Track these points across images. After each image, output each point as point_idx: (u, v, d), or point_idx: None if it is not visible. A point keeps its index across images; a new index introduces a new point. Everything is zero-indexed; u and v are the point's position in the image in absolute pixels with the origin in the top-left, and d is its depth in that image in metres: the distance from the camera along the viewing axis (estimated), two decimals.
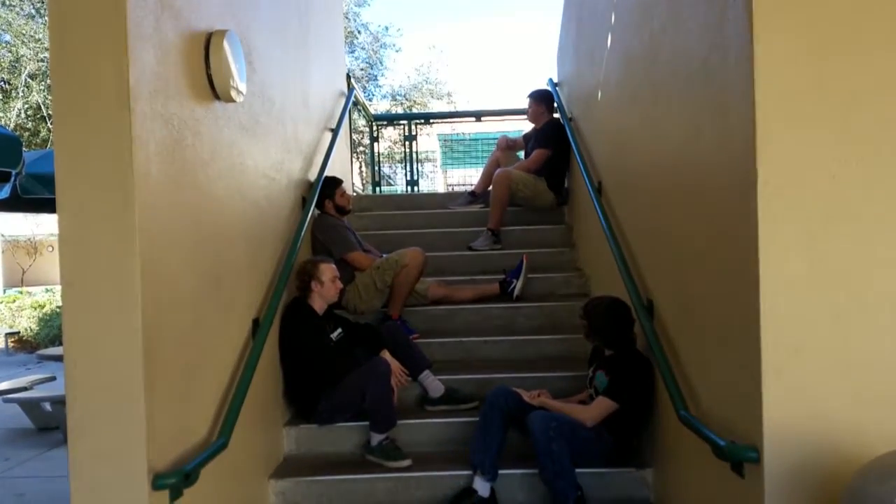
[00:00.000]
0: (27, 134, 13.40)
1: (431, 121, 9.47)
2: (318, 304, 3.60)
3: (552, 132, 5.55)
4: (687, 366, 2.63)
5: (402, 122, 8.59)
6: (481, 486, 3.03)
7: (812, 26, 1.90)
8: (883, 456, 1.67)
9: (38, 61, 12.88)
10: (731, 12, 2.03)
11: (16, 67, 13.02)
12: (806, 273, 1.89)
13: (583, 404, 3.20)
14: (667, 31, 2.73)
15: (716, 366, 2.31)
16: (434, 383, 3.71)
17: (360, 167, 11.19)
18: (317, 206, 4.39)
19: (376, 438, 3.32)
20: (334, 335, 3.65)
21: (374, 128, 8.06)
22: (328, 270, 3.63)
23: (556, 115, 5.76)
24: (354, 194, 6.49)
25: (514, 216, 5.70)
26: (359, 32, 16.43)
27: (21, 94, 13.00)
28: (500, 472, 3.08)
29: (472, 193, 6.05)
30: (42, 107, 13.14)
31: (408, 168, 8.06)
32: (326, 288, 3.59)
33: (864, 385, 1.90)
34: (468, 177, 9.94)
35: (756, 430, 1.92)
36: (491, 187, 5.51)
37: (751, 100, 1.89)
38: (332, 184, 4.53)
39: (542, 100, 5.78)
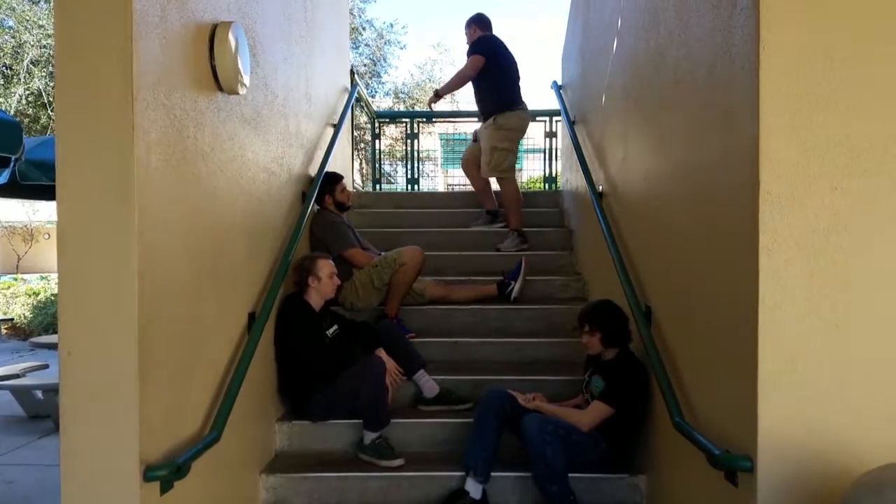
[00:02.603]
0: (27, 120, 13.36)
1: (434, 119, 9.47)
2: (315, 300, 3.59)
3: (479, 42, 5.29)
4: (683, 372, 2.63)
5: (404, 119, 8.59)
6: (473, 488, 3.02)
7: (818, 36, 1.89)
8: (877, 469, 1.67)
9: (40, 47, 12.84)
10: (738, 20, 2.02)
11: (18, 53, 12.97)
12: (805, 283, 1.89)
13: (578, 409, 3.19)
14: (673, 36, 2.73)
15: (712, 373, 2.30)
16: (429, 383, 3.70)
17: (361, 164, 11.18)
18: (316, 201, 4.38)
19: (369, 437, 3.31)
20: (330, 332, 3.64)
21: (376, 125, 8.05)
22: (326, 266, 3.62)
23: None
24: (354, 191, 6.47)
25: None
26: (364, 29, 16.41)
27: (23, 79, 12.95)
28: (493, 474, 3.07)
29: (488, 212, 5.65)
30: (43, 93, 13.10)
31: (408, 166, 8.06)
32: (324, 284, 3.58)
33: (860, 397, 1.89)
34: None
35: (751, 440, 1.92)
36: (500, 191, 5.43)
37: (755, 108, 1.89)
38: (333, 179, 4.51)
39: (473, 22, 5.45)
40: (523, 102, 5.39)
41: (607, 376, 3.09)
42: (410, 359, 3.73)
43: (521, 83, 5.45)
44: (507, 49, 5.41)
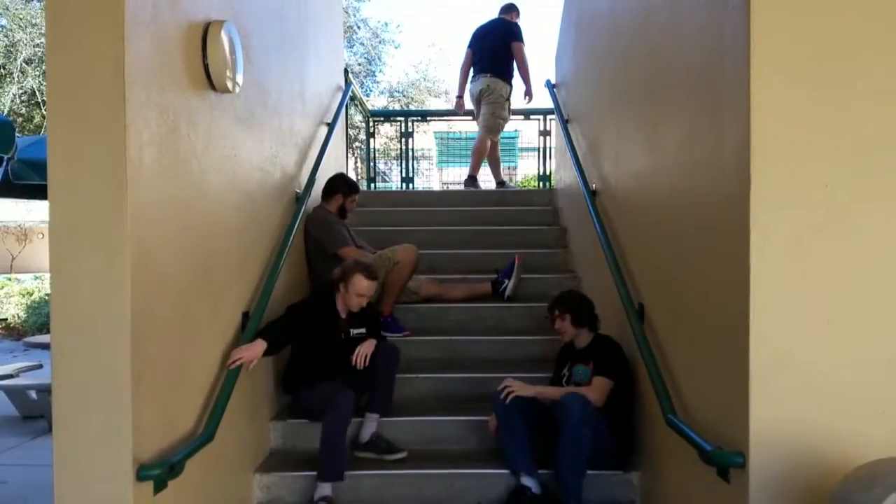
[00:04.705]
0: (21, 119, 13.31)
1: (428, 118, 9.47)
2: (340, 304, 3.52)
3: None
4: (676, 370, 2.64)
5: (398, 118, 8.59)
6: (532, 483, 3.06)
7: (809, 35, 1.90)
8: (868, 464, 1.68)
9: (34, 46, 12.79)
10: (730, 19, 2.03)
11: (11, 52, 12.92)
12: (796, 281, 1.90)
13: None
14: (665, 35, 2.74)
15: (704, 371, 2.31)
16: (371, 428, 3.40)
17: (356, 163, 11.16)
18: (325, 196, 4.42)
19: (321, 491, 3.02)
20: (354, 332, 3.51)
21: (371, 124, 8.04)
22: (359, 285, 3.40)
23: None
24: None
25: (508, 216, 5.71)
26: (358, 27, 16.38)
27: (16, 79, 12.90)
28: (493, 471, 3.12)
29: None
30: (37, 92, 13.05)
31: (403, 165, 8.05)
32: (349, 296, 3.44)
33: (851, 394, 1.90)
34: (463, 175, 9.92)
35: (742, 436, 1.93)
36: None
37: (747, 107, 1.90)
38: (352, 187, 4.57)
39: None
40: (483, 72, 6.36)
41: (591, 359, 3.18)
42: (375, 397, 3.42)
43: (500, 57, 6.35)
44: (485, 29, 6.46)
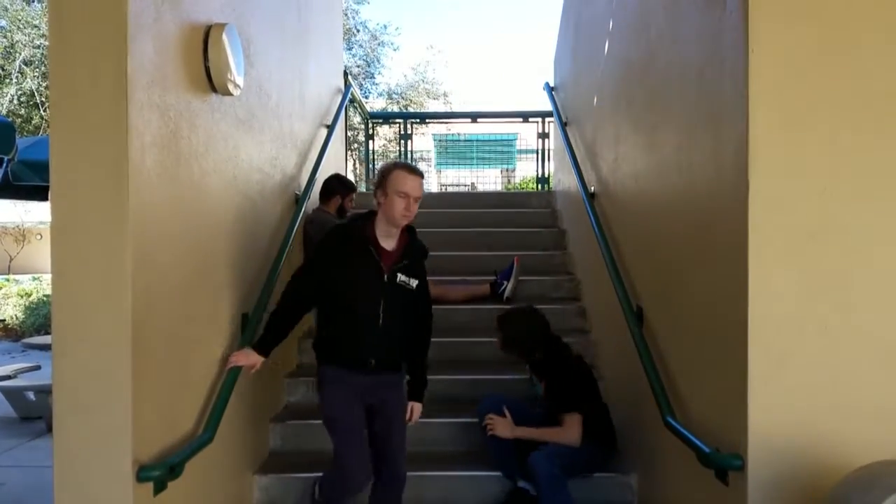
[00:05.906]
0: (20, 120, 13.30)
1: (427, 120, 9.50)
2: (380, 230, 2.87)
3: None
4: (674, 372, 2.65)
5: (397, 120, 8.61)
6: (530, 487, 3.08)
7: (807, 40, 1.91)
8: (866, 466, 1.69)
9: (33, 47, 12.80)
10: (728, 22, 2.04)
11: (10, 53, 12.93)
12: (794, 284, 1.91)
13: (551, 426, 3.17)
14: (664, 39, 2.75)
15: (703, 373, 2.32)
16: None
17: (355, 164, 11.17)
18: (323, 198, 4.43)
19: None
20: (400, 279, 2.78)
21: (370, 125, 8.06)
22: (399, 183, 2.72)
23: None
24: None
25: (507, 217, 5.72)
26: (357, 30, 16.40)
27: (15, 80, 12.90)
28: (492, 473, 3.14)
29: None
30: (36, 93, 13.06)
31: None
32: (392, 204, 2.76)
33: (848, 395, 1.92)
34: (462, 177, 9.95)
35: (741, 438, 1.94)
36: None
37: (745, 110, 1.91)
38: (349, 186, 4.58)
39: None
40: None
41: (543, 378, 3.17)
42: (381, 454, 2.86)
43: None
44: None
